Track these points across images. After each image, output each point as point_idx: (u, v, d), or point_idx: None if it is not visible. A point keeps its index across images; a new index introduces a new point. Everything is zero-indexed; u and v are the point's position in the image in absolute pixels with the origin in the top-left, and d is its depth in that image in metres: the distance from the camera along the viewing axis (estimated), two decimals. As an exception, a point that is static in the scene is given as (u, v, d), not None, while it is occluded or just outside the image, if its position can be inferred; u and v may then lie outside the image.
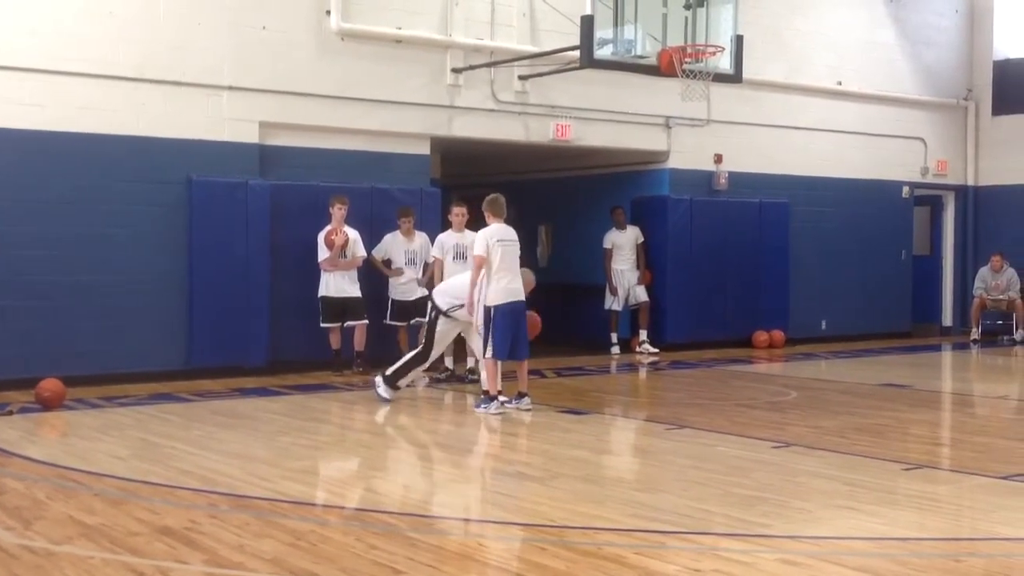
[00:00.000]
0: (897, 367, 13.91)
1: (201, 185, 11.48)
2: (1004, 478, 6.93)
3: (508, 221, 9.86)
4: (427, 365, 10.32)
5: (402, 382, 10.16)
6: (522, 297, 9.64)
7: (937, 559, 5.13)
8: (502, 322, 9.42)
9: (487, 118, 13.42)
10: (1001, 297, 16.81)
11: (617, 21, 11.79)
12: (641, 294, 14.75)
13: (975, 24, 17.91)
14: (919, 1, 17.31)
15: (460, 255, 11.45)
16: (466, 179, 15.88)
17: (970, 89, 17.84)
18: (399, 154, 12.86)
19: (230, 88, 11.69)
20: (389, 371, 10.11)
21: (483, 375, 9.68)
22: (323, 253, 11.85)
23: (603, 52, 11.83)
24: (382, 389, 10.05)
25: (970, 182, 17.95)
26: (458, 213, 11.61)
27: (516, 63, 13.39)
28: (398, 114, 12.75)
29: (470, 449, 8.51)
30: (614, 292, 14.73)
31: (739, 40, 12.37)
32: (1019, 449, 8.16)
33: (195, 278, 11.49)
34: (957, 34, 17.83)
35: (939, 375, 14.28)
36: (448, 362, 11.73)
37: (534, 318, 10.07)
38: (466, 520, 6.06)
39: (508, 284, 9.48)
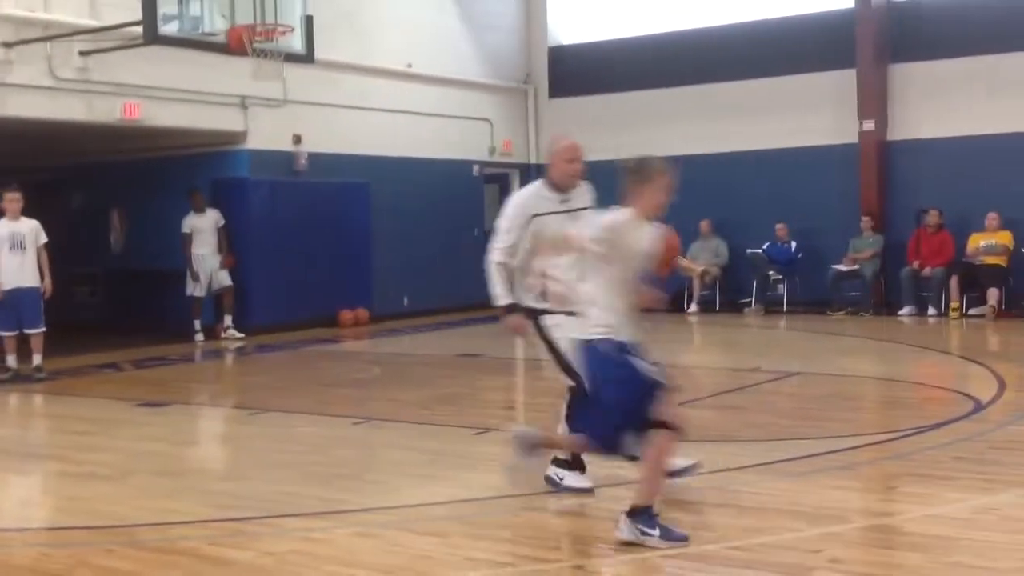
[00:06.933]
0: (473, 337, 14.65)
1: None
2: (562, 434, 7.53)
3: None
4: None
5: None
6: None
7: (500, 516, 5.50)
8: None
9: (44, 96, 12.48)
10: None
11: (182, -3, 11.45)
12: (224, 278, 14.46)
13: (531, 11, 19.12)
14: (480, -13, 18.24)
15: (18, 245, 10.68)
16: (22, 162, 14.73)
17: (529, 73, 19.08)
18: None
19: None
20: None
21: None
22: None
23: (169, 28, 11.45)
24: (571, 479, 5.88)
25: (532, 161, 19.16)
26: (12, 200, 10.76)
27: (76, 37, 12.56)
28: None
29: (35, 453, 7.94)
30: (195, 278, 14.32)
31: (309, 20, 12.42)
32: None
33: None
34: (515, 20, 18.95)
35: (510, 343, 15.08)
36: (11, 360, 10.87)
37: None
38: (26, 529, 5.65)
39: None
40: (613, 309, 4.93)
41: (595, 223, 5.01)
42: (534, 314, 5.81)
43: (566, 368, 5.69)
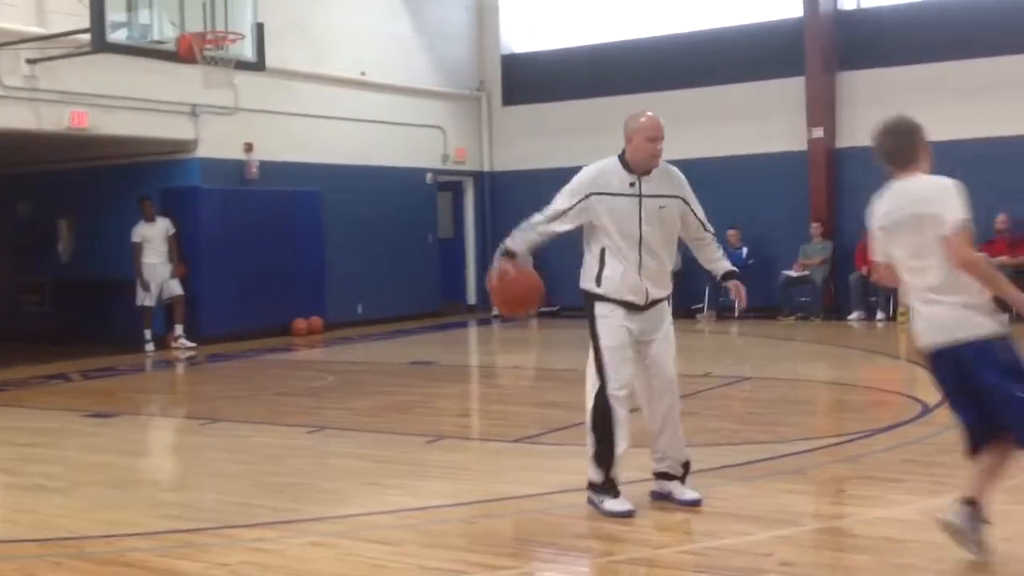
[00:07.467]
0: (427, 345, 14.65)
1: None
2: (515, 441, 7.56)
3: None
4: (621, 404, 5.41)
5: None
6: None
7: (453, 524, 5.48)
8: None
9: (-9, 105, 12.34)
10: (518, 274, 18.23)
11: (131, 4, 11.35)
12: (175, 288, 14.33)
13: (484, 19, 19.14)
14: (433, -5, 18.24)
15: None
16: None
17: (482, 81, 19.10)
18: None
19: None
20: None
21: None
22: None
23: (117, 36, 11.35)
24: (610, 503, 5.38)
25: (486, 168, 19.23)
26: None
27: (23, 45, 12.39)
28: None
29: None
30: (146, 287, 14.18)
31: (260, 28, 12.37)
32: (530, 414, 8.91)
33: None
34: (468, 29, 18.99)
35: (464, 350, 15.21)
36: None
37: None
38: (-27, 544, 5.57)
39: None
40: (979, 289, 4.26)
41: (951, 204, 4.26)
42: (590, 300, 5.38)
43: (600, 367, 5.26)
